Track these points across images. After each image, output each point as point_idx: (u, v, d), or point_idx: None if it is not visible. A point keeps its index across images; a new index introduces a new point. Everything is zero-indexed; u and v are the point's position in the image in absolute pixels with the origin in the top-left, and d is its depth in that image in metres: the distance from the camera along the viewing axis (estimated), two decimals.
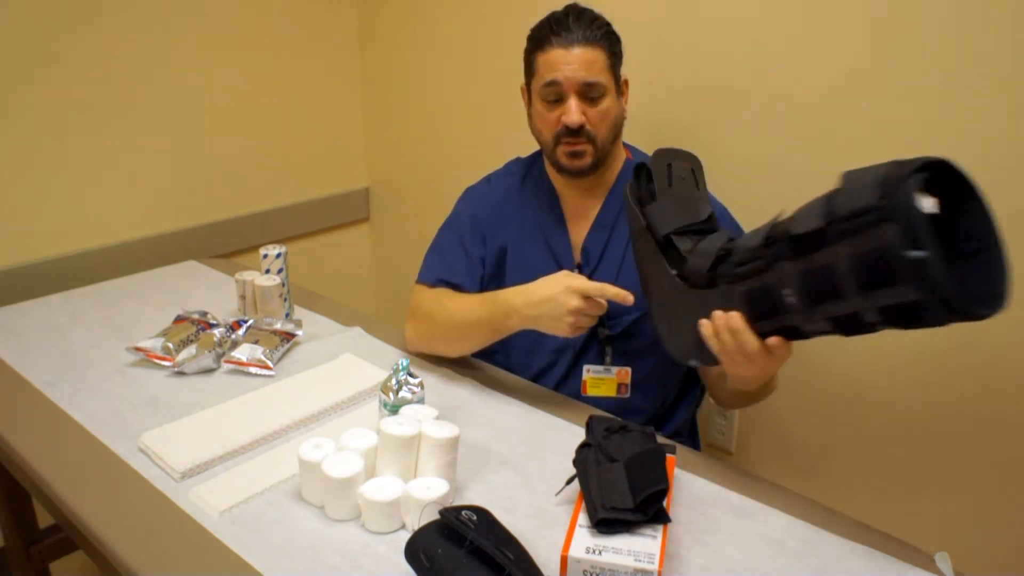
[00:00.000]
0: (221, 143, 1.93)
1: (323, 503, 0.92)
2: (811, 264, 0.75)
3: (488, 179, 1.39)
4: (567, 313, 1.07)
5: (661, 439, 1.03)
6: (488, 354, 1.33)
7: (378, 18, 2.11)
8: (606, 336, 1.27)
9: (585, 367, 1.28)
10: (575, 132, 1.18)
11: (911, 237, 0.65)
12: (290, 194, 2.12)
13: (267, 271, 1.43)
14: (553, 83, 1.17)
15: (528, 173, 1.35)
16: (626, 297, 1.07)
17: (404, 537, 0.82)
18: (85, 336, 1.36)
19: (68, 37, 1.60)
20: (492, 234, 1.33)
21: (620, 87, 1.23)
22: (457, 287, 1.31)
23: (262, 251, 1.43)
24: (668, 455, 0.95)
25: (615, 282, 1.25)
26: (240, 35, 1.89)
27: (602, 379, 1.27)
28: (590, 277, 1.28)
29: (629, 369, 1.27)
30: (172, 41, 1.77)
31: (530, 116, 1.26)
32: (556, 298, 1.08)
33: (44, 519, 1.53)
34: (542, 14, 1.77)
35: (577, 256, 1.30)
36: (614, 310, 1.25)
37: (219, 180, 1.95)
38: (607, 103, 1.19)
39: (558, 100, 1.18)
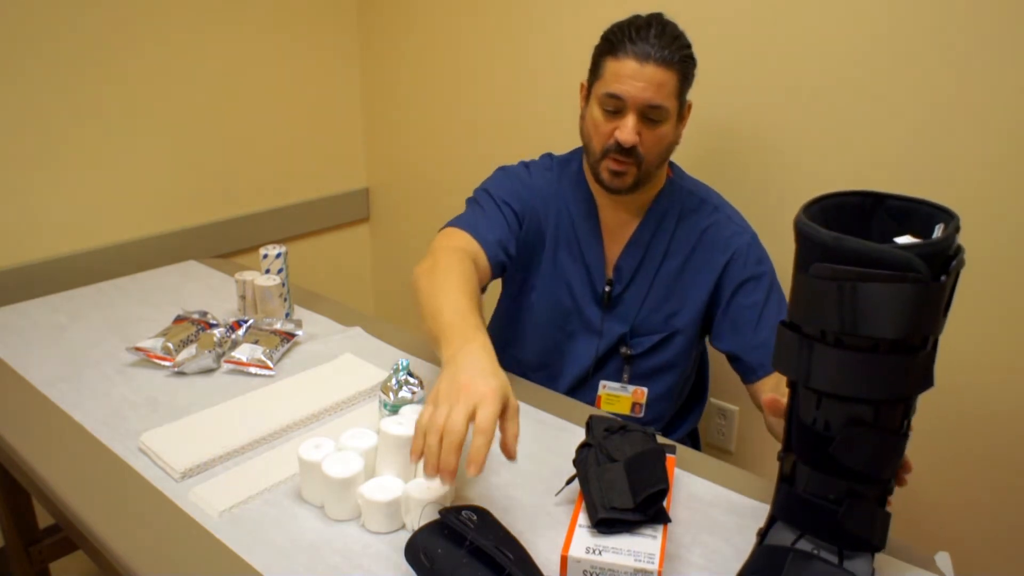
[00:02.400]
0: (221, 143, 1.93)
1: (323, 503, 0.92)
2: None
3: (527, 167, 1.31)
4: (452, 411, 0.80)
5: (661, 439, 1.03)
6: (501, 346, 1.31)
7: (378, 18, 2.11)
8: (628, 355, 1.26)
9: (602, 383, 1.27)
10: (625, 151, 1.13)
11: None
12: (290, 194, 2.12)
13: (267, 271, 1.43)
14: (616, 96, 1.11)
15: (564, 173, 1.29)
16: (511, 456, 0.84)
17: (404, 537, 0.82)
18: (85, 336, 1.36)
19: (69, 37, 1.60)
20: (534, 226, 1.27)
21: (683, 112, 1.18)
22: (494, 251, 1.19)
23: (262, 251, 1.43)
24: (668, 455, 0.95)
25: (643, 301, 1.25)
26: (241, 35, 1.89)
27: (617, 396, 1.27)
28: (620, 295, 1.25)
29: (645, 389, 1.27)
30: (172, 41, 1.77)
31: (583, 117, 1.21)
32: (465, 394, 0.81)
33: (44, 519, 1.53)
34: (541, 14, 1.78)
35: (609, 272, 1.27)
36: (639, 328, 1.25)
37: (219, 180, 1.95)
38: (666, 128, 1.14)
39: (617, 112, 1.13)
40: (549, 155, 1.34)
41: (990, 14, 1.18)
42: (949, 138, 1.26)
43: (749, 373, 1.19)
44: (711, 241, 1.23)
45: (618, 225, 1.26)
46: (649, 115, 1.12)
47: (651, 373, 1.28)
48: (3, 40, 1.52)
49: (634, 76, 1.09)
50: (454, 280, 1.05)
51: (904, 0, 1.26)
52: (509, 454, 0.83)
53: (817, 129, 1.40)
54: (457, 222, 1.21)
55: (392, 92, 2.15)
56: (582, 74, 1.71)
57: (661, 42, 1.09)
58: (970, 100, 1.23)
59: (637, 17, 1.14)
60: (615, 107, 1.12)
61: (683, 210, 1.24)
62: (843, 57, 1.34)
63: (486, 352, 0.88)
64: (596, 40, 1.65)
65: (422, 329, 1.04)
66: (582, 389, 1.29)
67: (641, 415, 1.28)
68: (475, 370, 0.84)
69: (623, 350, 1.26)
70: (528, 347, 1.33)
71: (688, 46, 1.14)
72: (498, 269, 1.21)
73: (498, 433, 0.83)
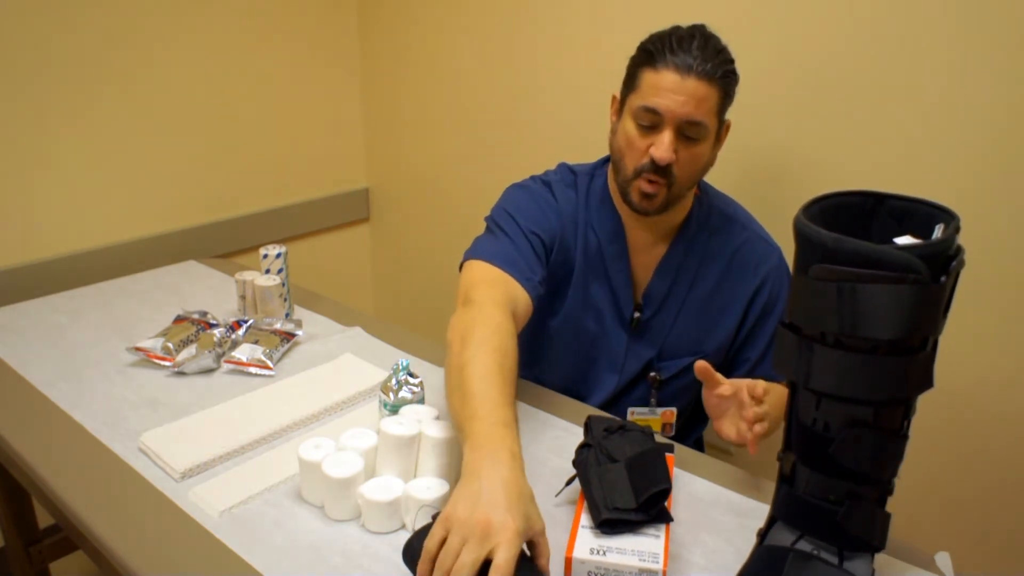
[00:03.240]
0: (221, 143, 1.93)
1: (323, 503, 0.92)
2: None
3: (549, 186, 1.22)
4: (464, 550, 0.71)
5: (659, 438, 1.03)
6: (527, 364, 1.29)
7: (378, 18, 2.11)
8: (657, 380, 1.24)
9: (630, 410, 1.26)
10: (659, 169, 1.07)
11: None
12: (290, 194, 2.12)
13: (267, 271, 1.43)
14: (653, 111, 1.04)
15: (590, 189, 1.21)
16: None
17: (404, 537, 0.82)
18: (85, 336, 1.36)
19: (69, 37, 1.60)
20: (563, 252, 1.20)
21: (721, 131, 1.12)
22: (535, 288, 1.11)
23: (262, 251, 1.43)
24: (667, 454, 0.95)
25: (672, 326, 1.22)
26: (240, 35, 1.89)
27: (647, 420, 1.26)
28: (648, 320, 1.22)
29: (675, 410, 1.26)
30: (172, 41, 1.77)
31: (614, 131, 1.14)
32: (482, 531, 0.72)
33: (44, 519, 1.53)
34: (541, 14, 1.77)
35: (638, 296, 1.22)
36: (666, 353, 1.24)
37: (219, 180, 1.95)
38: (703, 147, 1.08)
39: (653, 128, 1.06)
40: (569, 168, 1.25)
41: (991, 14, 1.18)
42: (950, 138, 1.26)
43: None
44: (742, 263, 1.20)
45: (646, 246, 1.20)
46: (687, 132, 1.05)
47: (677, 394, 1.26)
48: (3, 40, 1.52)
49: (674, 89, 1.03)
50: (489, 353, 0.92)
51: (905, 1, 1.26)
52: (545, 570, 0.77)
53: (818, 129, 1.40)
54: (488, 255, 1.11)
55: (392, 92, 2.15)
56: (583, 73, 1.71)
57: (704, 55, 1.03)
58: (971, 100, 1.23)
59: (678, 28, 1.07)
60: (651, 122, 1.06)
61: (712, 229, 1.20)
62: (843, 57, 1.34)
63: (513, 466, 0.78)
64: (597, 40, 1.66)
65: (447, 397, 0.93)
66: (609, 412, 1.27)
67: (672, 433, 1.28)
68: (497, 499, 0.74)
69: (651, 375, 1.24)
70: (550, 371, 1.29)
71: (731, 61, 1.07)
72: (535, 307, 1.12)
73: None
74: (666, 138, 1.05)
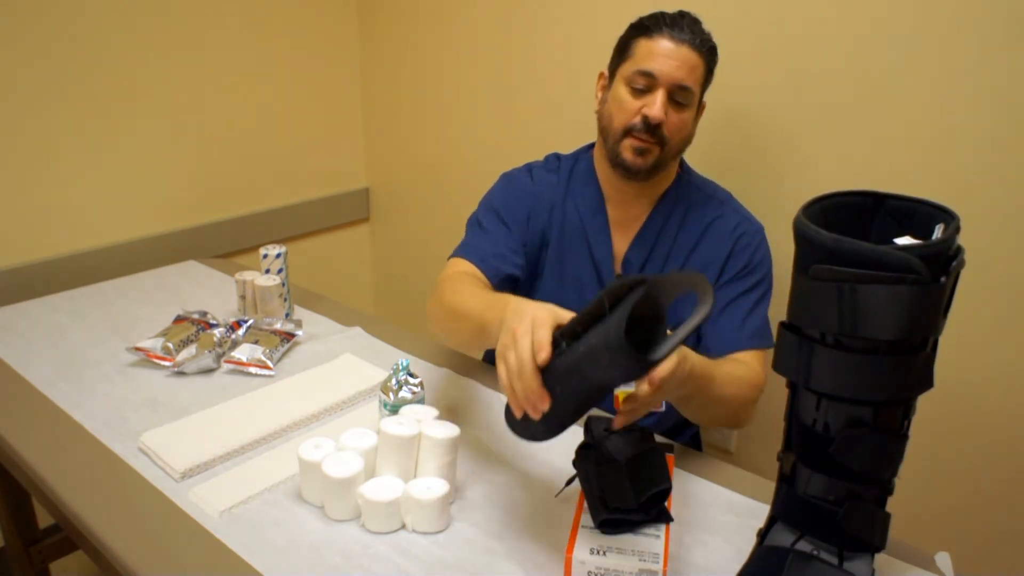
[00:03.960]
0: (221, 143, 1.93)
1: (323, 503, 0.92)
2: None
3: (530, 171, 1.31)
4: (509, 336, 0.81)
5: (660, 439, 1.03)
6: None
7: (378, 18, 2.11)
8: None
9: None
10: (651, 128, 1.13)
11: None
12: (290, 194, 2.12)
13: (267, 271, 1.43)
14: (648, 74, 1.12)
15: (573, 171, 1.29)
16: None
17: (404, 537, 0.82)
18: (85, 336, 1.36)
19: (69, 38, 1.60)
20: (536, 229, 1.27)
21: (699, 109, 1.20)
22: (494, 267, 1.20)
23: (262, 251, 1.43)
24: (666, 454, 0.95)
25: None
26: (240, 35, 1.89)
27: (635, 394, 1.25)
28: None
29: None
30: (171, 41, 1.77)
31: (603, 101, 1.21)
32: (519, 330, 0.80)
33: (44, 519, 1.53)
34: (540, 14, 1.77)
35: (618, 266, 1.27)
36: None
37: (219, 180, 1.95)
38: (689, 114, 1.16)
39: (645, 91, 1.13)
40: (556, 155, 1.33)
41: (992, 13, 1.18)
42: (950, 137, 1.26)
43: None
44: (717, 233, 1.23)
45: (627, 220, 1.25)
46: (677, 96, 1.13)
47: None
48: (3, 40, 1.52)
49: (668, 55, 1.11)
50: (464, 290, 1.08)
51: (907, 1, 1.26)
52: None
53: (818, 127, 1.40)
54: (459, 251, 1.23)
55: (392, 92, 2.15)
56: (582, 72, 1.71)
57: (693, 30, 1.13)
58: (971, 99, 1.23)
59: (666, 11, 1.16)
60: (645, 84, 1.12)
61: (691, 204, 1.24)
62: (845, 57, 1.34)
63: (523, 302, 0.87)
64: (595, 37, 1.66)
65: (465, 345, 1.08)
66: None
67: (662, 409, 1.27)
68: (520, 316, 0.82)
69: None
70: None
71: (714, 42, 1.16)
72: (505, 284, 1.21)
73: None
74: (659, 98, 1.12)
